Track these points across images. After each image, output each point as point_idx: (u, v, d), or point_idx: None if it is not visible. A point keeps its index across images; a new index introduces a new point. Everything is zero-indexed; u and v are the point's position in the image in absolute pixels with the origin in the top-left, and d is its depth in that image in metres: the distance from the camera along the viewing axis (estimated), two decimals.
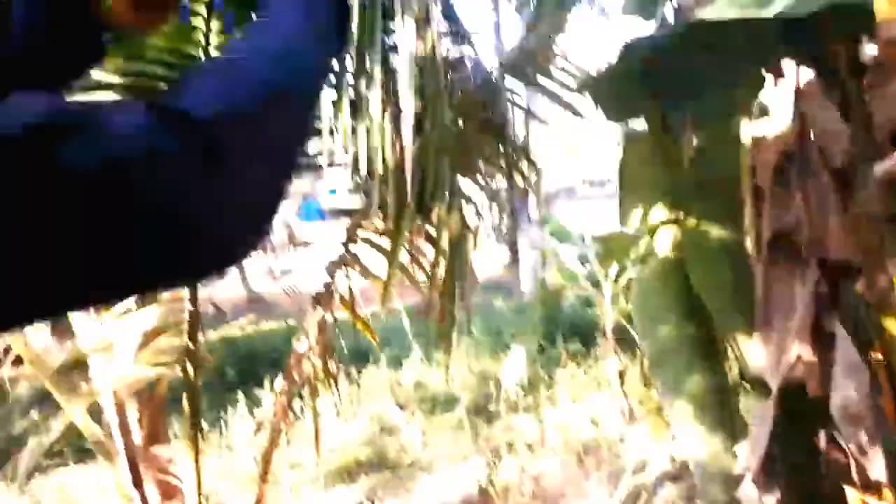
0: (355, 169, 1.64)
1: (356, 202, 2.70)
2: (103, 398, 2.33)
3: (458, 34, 2.17)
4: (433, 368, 7.49)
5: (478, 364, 7.63)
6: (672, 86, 1.96)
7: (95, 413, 2.42)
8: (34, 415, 3.47)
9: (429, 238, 2.14)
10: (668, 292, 2.28)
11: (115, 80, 1.73)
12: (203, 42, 1.78)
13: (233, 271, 2.49)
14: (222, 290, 9.92)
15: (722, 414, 2.20)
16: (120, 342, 2.22)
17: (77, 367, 2.21)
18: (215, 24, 1.75)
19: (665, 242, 2.32)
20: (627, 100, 2.09)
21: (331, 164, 2.41)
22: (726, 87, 1.94)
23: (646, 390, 5.44)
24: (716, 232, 2.12)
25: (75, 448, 5.33)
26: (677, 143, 2.25)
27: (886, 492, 1.79)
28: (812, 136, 1.71)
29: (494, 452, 5.09)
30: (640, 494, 4.30)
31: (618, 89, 1.96)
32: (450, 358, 1.97)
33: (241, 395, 6.00)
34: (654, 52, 1.79)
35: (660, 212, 2.37)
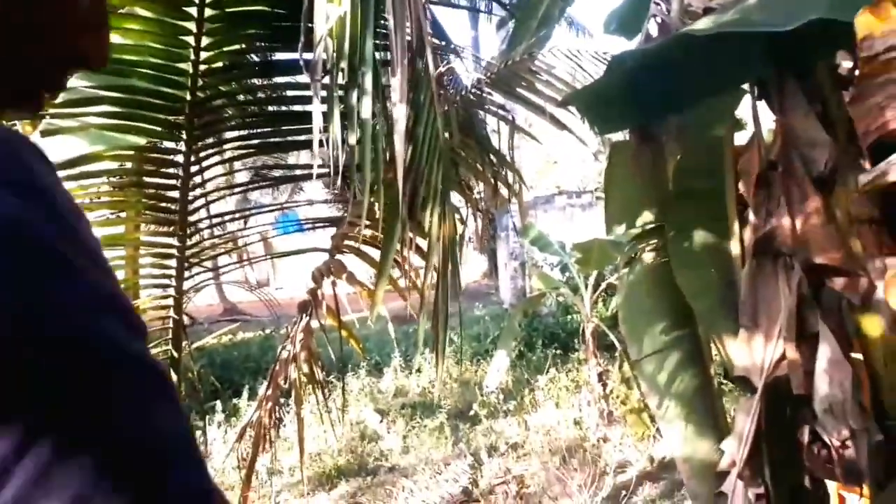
0: (343, 179, 1.64)
1: (337, 212, 2.70)
2: None
3: (445, 48, 2.19)
4: (413, 375, 7.50)
5: (459, 370, 7.65)
6: (657, 98, 2.01)
7: None
8: None
9: (418, 247, 2.15)
10: (655, 296, 2.31)
11: (103, 93, 1.72)
12: (192, 56, 1.78)
13: (209, 282, 2.44)
14: (197, 300, 9.83)
15: (708, 412, 2.23)
16: None
17: None
18: (205, 40, 1.75)
19: (650, 248, 2.35)
20: (613, 112, 2.13)
21: (311, 177, 2.42)
22: (710, 99, 1.99)
23: (627, 392, 5.49)
24: (700, 236, 2.16)
25: None
26: (661, 153, 2.29)
27: (865, 487, 1.84)
28: (795, 145, 1.76)
29: (476, 455, 5.09)
30: (620, 494, 4.34)
31: (604, 102, 2.00)
32: (442, 364, 1.98)
33: (218, 405, 5.95)
34: (640, 66, 1.83)
35: (644, 218, 2.41)
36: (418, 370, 7.52)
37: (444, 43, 2.35)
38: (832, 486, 2.27)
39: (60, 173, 1.63)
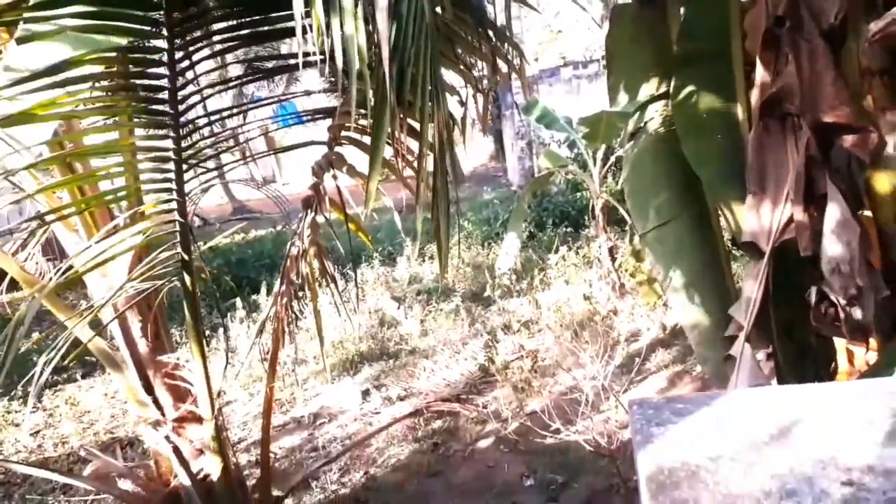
0: (332, 66, 1.58)
1: (335, 102, 2.63)
2: (104, 313, 2.35)
3: None
4: (425, 263, 7.60)
5: (470, 254, 7.74)
6: None
7: (99, 328, 2.46)
8: (35, 336, 3.55)
9: (413, 132, 2.10)
10: (661, 166, 2.28)
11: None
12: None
13: (216, 182, 2.42)
14: (205, 200, 9.86)
15: (716, 280, 2.26)
16: (112, 259, 2.22)
17: (77, 285, 2.22)
18: None
19: (655, 117, 2.29)
20: None
21: (304, 67, 2.33)
22: None
23: (637, 265, 5.55)
24: (706, 102, 2.09)
25: (82, 362, 5.47)
26: (664, 15, 2.18)
27: (872, 340, 1.88)
28: None
29: (492, 334, 5.25)
30: (633, 361, 4.49)
31: None
32: (446, 250, 1.98)
33: (238, 302, 6.10)
34: None
35: (649, 87, 2.33)
36: (431, 257, 7.62)
37: None
38: (839, 343, 2.32)
39: (44, 80, 1.58)
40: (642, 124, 2.40)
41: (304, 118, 2.89)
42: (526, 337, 5.37)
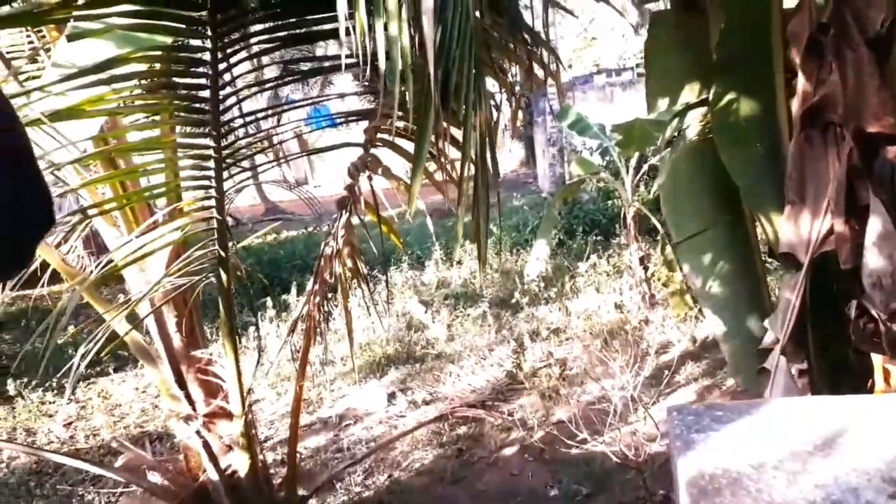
0: (373, 69, 1.59)
1: (370, 105, 2.64)
2: (141, 307, 2.40)
3: None
4: (454, 267, 7.61)
5: (499, 260, 7.73)
6: None
7: (135, 322, 2.50)
8: (72, 328, 3.63)
9: (448, 136, 2.11)
10: (698, 174, 2.26)
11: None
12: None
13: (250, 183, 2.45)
14: (239, 200, 9.99)
15: (752, 290, 2.23)
16: (151, 254, 2.26)
17: (114, 280, 2.26)
18: None
19: (694, 124, 2.27)
20: None
21: (340, 69, 2.36)
22: None
23: (669, 274, 5.50)
24: (746, 110, 2.07)
25: (114, 356, 5.57)
26: (704, 21, 2.16)
27: None
28: (848, 4, 1.63)
29: (519, 341, 5.23)
30: (663, 373, 4.44)
31: None
32: (484, 254, 1.98)
33: (268, 301, 6.16)
34: None
35: (688, 94, 2.31)
36: (459, 262, 7.62)
37: None
38: (876, 360, 2.27)
39: (91, 77, 1.61)
40: (679, 131, 2.39)
41: (338, 121, 2.92)
42: (554, 344, 5.34)
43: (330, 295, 2.75)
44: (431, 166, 2.50)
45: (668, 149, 2.42)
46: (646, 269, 5.95)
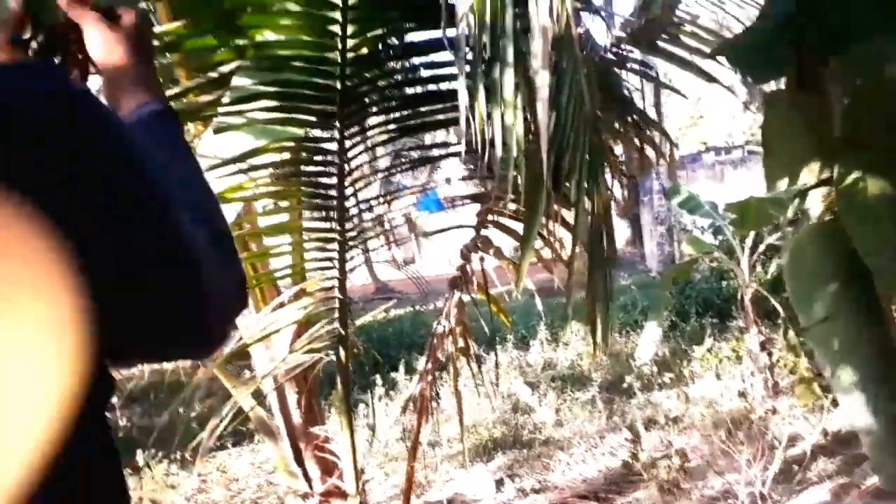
0: (489, 154, 1.66)
1: (478, 189, 2.74)
2: (265, 383, 2.51)
3: (583, 8, 2.14)
4: (560, 348, 7.47)
5: (608, 342, 7.52)
6: (820, 37, 1.85)
7: (259, 397, 2.61)
8: (196, 402, 3.82)
9: (559, 218, 2.14)
10: (825, 256, 2.15)
11: (263, 89, 1.84)
12: (340, 45, 1.85)
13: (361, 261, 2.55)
14: (351, 280, 10.34)
15: (890, 378, 2.06)
16: (277, 332, 2.38)
17: (241, 357, 2.39)
18: (350, 28, 1.82)
19: (817, 204, 2.19)
20: (769, 58, 1.99)
21: (450, 156, 2.46)
22: (884, 31, 1.80)
23: (794, 360, 5.16)
24: (875, 188, 1.98)
25: (233, 431, 5.77)
26: (826, 99, 2.11)
27: None
28: None
29: (633, 429, 5.01)
30: (792, 469, 4.10)
31: (759, 48, 1.87)
32: (604, 335, 1.96)
33: (378, 379, 6.24)
34: (799, 3, 1.70)
35: (808, 173, 2.24)
36: (565, 343, 7.48)
37: (580, 5, 2.30)
38: None
39: (232, 167, 1.77)
40: (801, 212, 2.30)
41: (446, 204, 3.02)
42: (672, 433, 5.08)
43: (438, 373, 2.77)
44: (538, 244, 2.53)
45: (790, 228, 2.34)
46: (769, 354, 5.61)
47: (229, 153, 1.85)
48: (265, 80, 1.81)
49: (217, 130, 1.83)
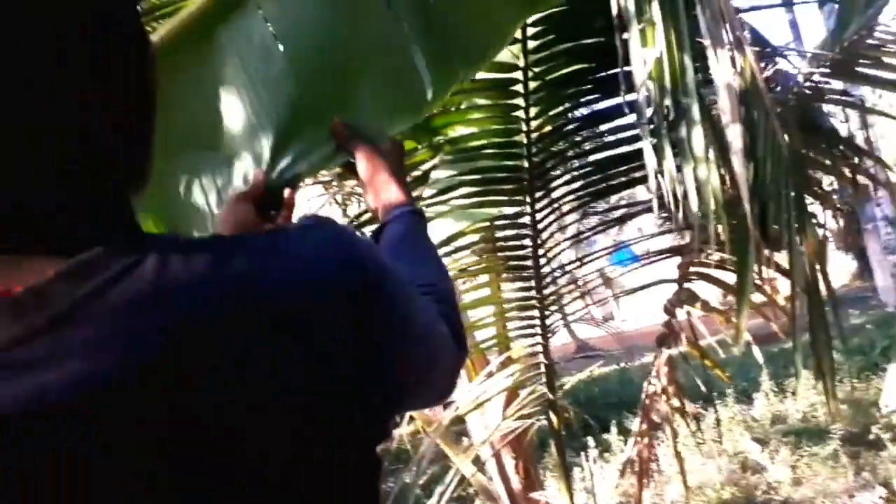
0: (684, 207, 1.66)
1: (676, 241, 2.71)
2: (483, 450, 2.61)
3: (767, 52, 2.09)
4: (788, 399, 6.83)
5: (844, 388, 6.77)
6: None
7: (478, 463, 2.71)
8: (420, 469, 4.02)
9: (767, 260, 2.05)
10: None
11: (460, 178, 2.00)
12: (525, 127, 1.98)
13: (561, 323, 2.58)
14: (552, 341, 10.32)
15: None
16: (489, 400, 2.49)
17: (459, 425, 2.52)
18: (533, 110, 1.94)
19: None
20: None
21: (642, 213, 2.47)
22: None
23: None
24: None
25: (455, 497, 5.93)
26: None
27: None
28: None
29: (888, 486, 4.43)
30: None
31: None
32: (830, 381, 1.83)
33: (590, 441, 6.12)
34: None
35: None
36: (793, 393, 6.83)
37: (766, 49, 2.24)
38: None
39: (440, 252, 1.94)
40: None
41: (641, 258, 2.99)
42: None
43: (654, 434, 2.70)
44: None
45: None
46: None
47: (435, 240, 2.02)
48: (461, 170, 1.97)
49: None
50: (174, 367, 0.41)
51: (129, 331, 0.41)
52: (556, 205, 2.31)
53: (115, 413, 0.40)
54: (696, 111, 1.56)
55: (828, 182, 2.72)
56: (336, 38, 1.11)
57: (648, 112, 1.68)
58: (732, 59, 1.46)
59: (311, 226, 0.56)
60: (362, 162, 1.00)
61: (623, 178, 2.23)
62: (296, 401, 0.46)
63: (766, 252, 1.75)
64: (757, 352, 3.10)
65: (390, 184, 0.97)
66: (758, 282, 2.23)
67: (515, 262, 2.36)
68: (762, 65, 2.20)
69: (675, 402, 2.58)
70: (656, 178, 1.65)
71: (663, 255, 2.75)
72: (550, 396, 2.38)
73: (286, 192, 1.05)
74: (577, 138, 2.24)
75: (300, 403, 0.47)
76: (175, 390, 0.41)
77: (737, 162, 1.49)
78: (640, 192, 2.73)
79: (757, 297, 2.44)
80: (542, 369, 2.38)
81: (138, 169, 0.52)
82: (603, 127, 2.25)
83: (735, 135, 1.48)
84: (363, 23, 1.10)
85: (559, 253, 2.48)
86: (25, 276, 0.41)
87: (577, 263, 2.64)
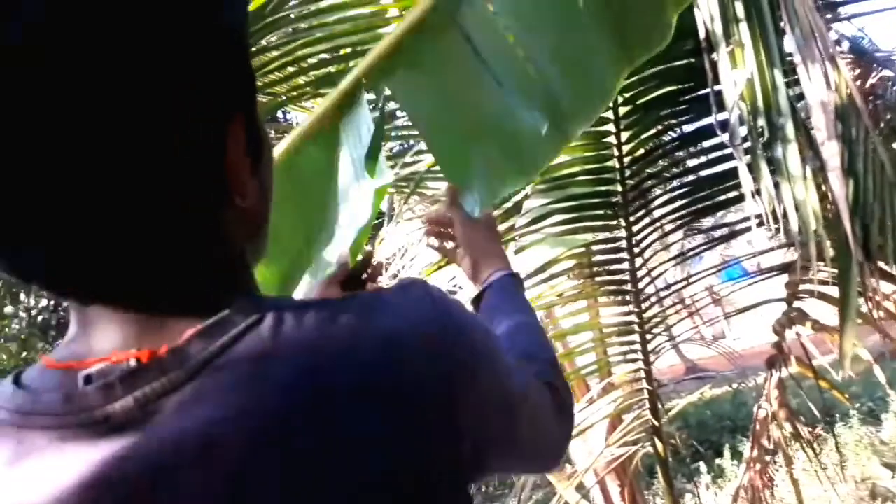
0: (784, 226, 1.62)
1: (781, 258, 2.62)
2: (586, 477, 2.59)
3: (870, 62, 2.01)
4: None
5: None
6: None
7: (582, 490, 2.69)
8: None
9: (884, 274, 1.94)
10: None
11: (552, 206, 2.04)
12: (617, 153, 1.99)
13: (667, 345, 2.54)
14: (659, 363, 10.00)
15: None
16: (591, 427, 2.47)
17: None
18: (624, 135, 1.95)
19: None
20: None
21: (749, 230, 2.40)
22: None
23: None
24: None
25: None
26: None
27: None
28: None
29: None
30: None
31: None
32: None
33: (702, 466, 5.89)
34: None
35: None
36: None
37: (868, 56, 2.16)
38: None
39: (535, 279, 1.98)
40: None
41: (752, 274, 2.89)
42: None
43: (766, 459, 2.59)
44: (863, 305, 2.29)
45: None
46: None
47: (530, 268, 2.06)
48: (554, 198, 2.01)
49: (517, 251, 2.06)
50: (285, 416, 0.46)
51: (249, 381, 0.47)
52: (656, 224, 2.29)
53: (239, 453, 0.45)
54: (790, 129, 1.54)
55: None
56: (460, 104, 1.20)
57: (742, 131, 1.66)
58: (826, 75, 1.43)
59: (407, 286, 0.58)
60: (460, 227, 1.07)
61: (725, 196, 2.19)
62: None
63: (882, 264, 1.67)
64: (878, 370, 2.92)
65: (488, 249, 1.03)
66: (869, 293, 2.12)
67: (613, 287, 2.35)
68: (864, 71, 2.11)
69: (788, 427, 2.47)
70: (754, 197, 1.63)
71: (773, 273, 2.66)
72: (655, 422, 2.35)
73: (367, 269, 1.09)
74: (675, 158, 2.22)
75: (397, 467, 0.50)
76: (287, 436, 0.46)
77: (834, 180, 1.45)
78: (748, 207, 2.67)
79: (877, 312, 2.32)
80: (646, 395, 2.35)
81: (260, 247, 0.61)
82: (703, 144, 2.23)
83: (832, 153, 1.44)
84: (481, 93, 1.17)
85: (661, 273, 2.45)
86: (170, 335, 0.48)
87: (683, 283, 2.59)
